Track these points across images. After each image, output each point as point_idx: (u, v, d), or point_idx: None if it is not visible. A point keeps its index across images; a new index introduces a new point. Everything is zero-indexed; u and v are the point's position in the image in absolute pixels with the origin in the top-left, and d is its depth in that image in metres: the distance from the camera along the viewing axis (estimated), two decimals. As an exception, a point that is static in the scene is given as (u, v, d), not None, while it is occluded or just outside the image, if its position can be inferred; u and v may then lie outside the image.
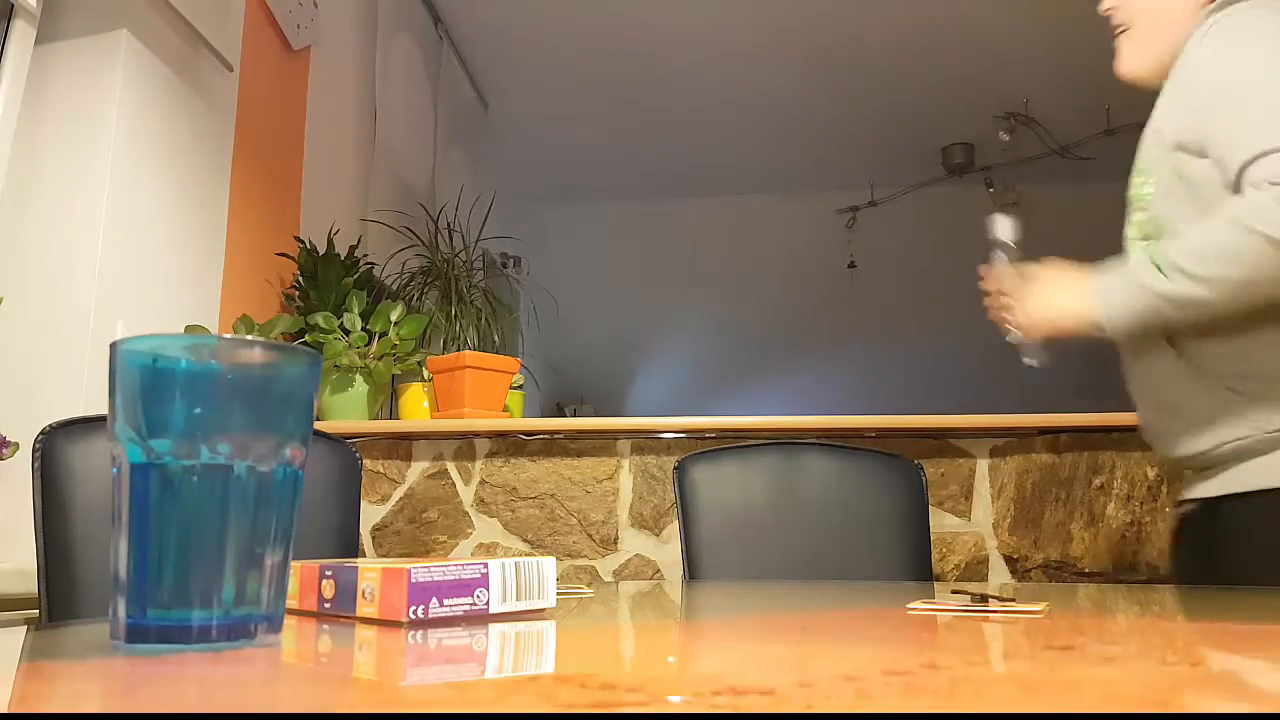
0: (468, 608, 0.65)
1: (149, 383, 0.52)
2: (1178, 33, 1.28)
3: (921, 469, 1.70)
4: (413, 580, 0.62)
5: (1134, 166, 1.29)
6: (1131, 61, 1.34)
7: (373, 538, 2.08)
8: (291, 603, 0.70)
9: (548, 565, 0.71)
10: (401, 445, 2.11)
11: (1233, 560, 1.23)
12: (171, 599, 0.51)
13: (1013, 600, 0.79)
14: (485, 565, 0.67)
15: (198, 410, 0.52)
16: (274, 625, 0.54)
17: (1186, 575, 1.32)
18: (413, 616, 0.62)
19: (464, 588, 0.65)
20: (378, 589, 0.64)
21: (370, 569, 0.66)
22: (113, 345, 0.53)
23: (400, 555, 2.06)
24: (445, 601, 0.64)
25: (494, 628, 0.63)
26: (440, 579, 0.64)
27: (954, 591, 0.93)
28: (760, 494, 1.69)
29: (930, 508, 1.73)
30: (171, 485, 0.51)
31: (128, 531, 0.51)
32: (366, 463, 2.03)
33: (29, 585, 1.23)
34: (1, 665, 0.54)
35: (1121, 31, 1.34)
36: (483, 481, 2.08)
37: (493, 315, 2.77)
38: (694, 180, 5.36)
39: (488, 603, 0.66)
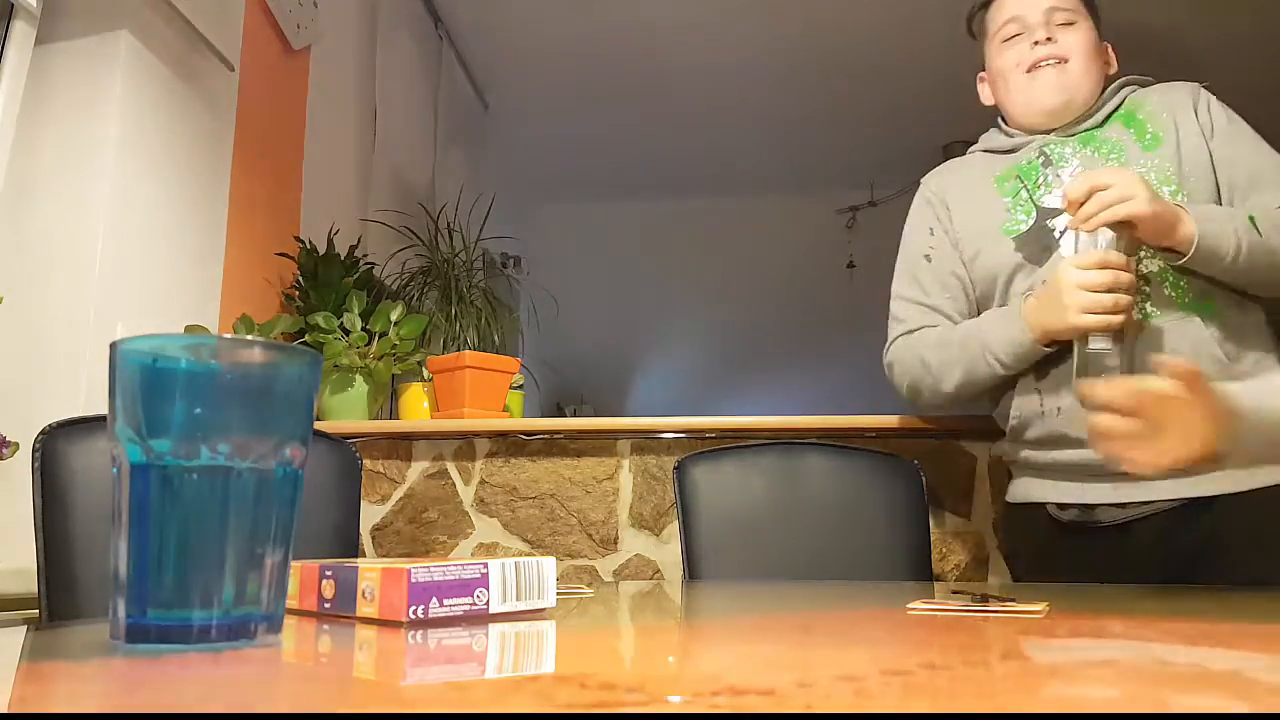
0: (468, 608, 0.65)
1: (149, 383, 0.52)
2: (1101, 83, 1.48)
3: (921, 469, 1.70)
4: (413, 580, 0.62)
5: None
6: (1070, 91, 1.45)
7: (373, 538, 2.08)
8: (291, 603, 0.70)
9: (548, 565, 0.71)
10: (401, 445, 2.11)
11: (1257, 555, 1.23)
12: (171, 599, 0.51)
13: (1013, 600, 0.79)
14: (485, 565, 0.67)
15: (198, 410, 0.52)
16: (274, 625, 0.54)
17: (1154, 575, 1.27)
18: (413, 616, 0.62)
19: (464, 588, 0.65)
20: (378, 589, 0.64)
21: (370, 569, 0.66)
22: (113, 345, 0.53)
23: (400, 555, 2.06)
24: (445, 601, 0.64)
25: (494, 628, 0.63)
26: (440, 579, 0.64)
27: (954, 591, 0.93)
28: (760, 494, 1.69)
29: (930, 508, 1.73)
30: (171, 485, 0.51)
31: (128, 531, 0.51)
32: (366, 463, 2.03)
33: (29, 585, 1.23)
34: (1, 665, 0.54)
35: (1057, 63, 1.45)
36: (483, 481, 2.08)
37: (493, 315, 2.77)
38: (694, 180, 5.36)
39: (488, 603, 0.66)
